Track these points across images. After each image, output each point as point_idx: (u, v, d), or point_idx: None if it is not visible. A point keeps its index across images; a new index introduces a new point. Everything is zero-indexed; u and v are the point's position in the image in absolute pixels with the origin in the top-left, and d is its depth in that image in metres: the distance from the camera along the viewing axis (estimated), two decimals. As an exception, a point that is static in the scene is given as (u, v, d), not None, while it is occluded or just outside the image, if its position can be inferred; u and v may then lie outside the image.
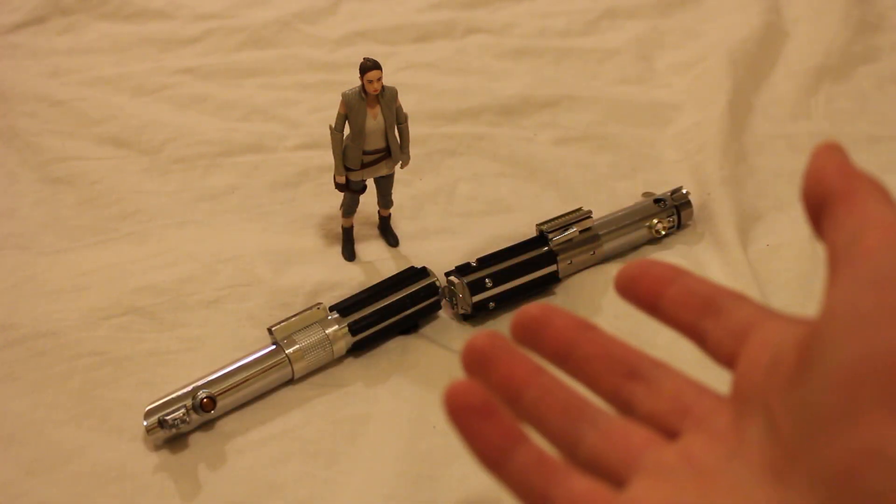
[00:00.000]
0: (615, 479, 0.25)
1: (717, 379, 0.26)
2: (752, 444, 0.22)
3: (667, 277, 0.27)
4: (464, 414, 0.25)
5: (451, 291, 0.55)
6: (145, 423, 0.47)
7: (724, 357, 0.25)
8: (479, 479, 0.46)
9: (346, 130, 0.54)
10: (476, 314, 0.55)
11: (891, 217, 0.22)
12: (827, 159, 0.24)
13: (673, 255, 0.59)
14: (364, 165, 0.56)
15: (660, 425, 0.25)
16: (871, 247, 0.21)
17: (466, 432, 0.25)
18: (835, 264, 0.22)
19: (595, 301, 0.56)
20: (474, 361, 0.27)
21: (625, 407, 0.26)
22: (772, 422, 0.22)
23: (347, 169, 0.55)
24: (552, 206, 0.62)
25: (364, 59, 0.52)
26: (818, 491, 0.20)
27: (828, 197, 0.23)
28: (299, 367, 0.51)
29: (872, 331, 0.19)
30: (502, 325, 0.55)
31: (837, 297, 0.21)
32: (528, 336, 0.28)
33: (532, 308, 0.28)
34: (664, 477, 0.24)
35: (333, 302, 0.54)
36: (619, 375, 0.27)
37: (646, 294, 0.27)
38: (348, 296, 0.54)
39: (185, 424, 0.47)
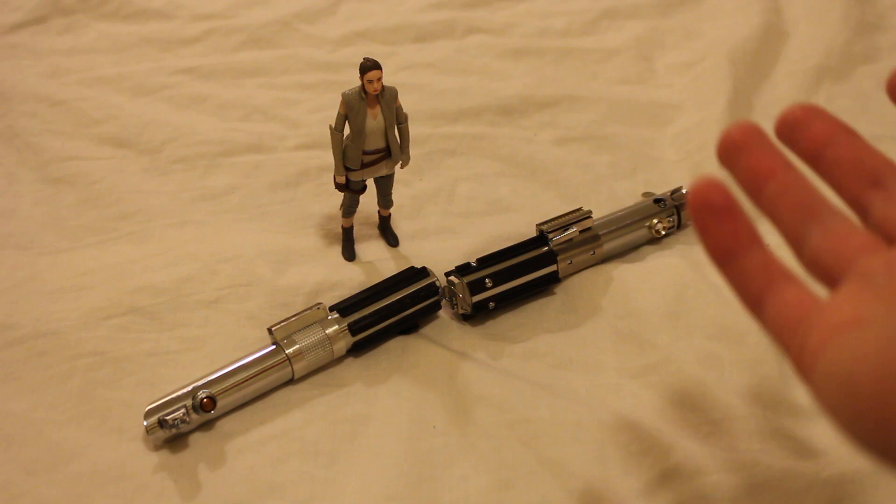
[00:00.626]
0: (830, 278, 0.26)
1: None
2: None
3: (832, 134, 0.28)
4: (704, 211, 0.27)
5: (451, 291, 0.55)
6: (145, 423, 0.47)
7: (887, 231, 0.26)
8: (479, 479, 0.46)
9: (346, 130, 0.54)
10: (476, 314, 0.55)
11: None
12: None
13: (673, 255, 0.59)
14: (364, 165, 0.56)
15: (887, 232, 0.26)
16: None
17: (703, 228, 0.27)
18: None
19: (595, 301, 0.56)
20: (728, 150, 0.29)
21: (862, 212, 0.28)
22: None
23: (347, 169, 0.55)
24: (552, 206, 0.62)
25: (364, 59, 0.52)
26: None
27: None
28: (299, 367, 0.51)
29: None
30: (503, 325, 0.55)
31: None
32: (788, 134, 0.29)
33: (796, 107, 0.30)
34: (863, 285, 0.25)
35: (333, 302, 0.54)
36: (864, 182, 0.28)
37: (811, 142, 0.28)
38: (348, 296, 0.54)
39: (185, 424, 0.47)
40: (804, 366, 0.25)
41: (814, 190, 0.28)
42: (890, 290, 0.24)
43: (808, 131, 0.29)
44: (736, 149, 0.28)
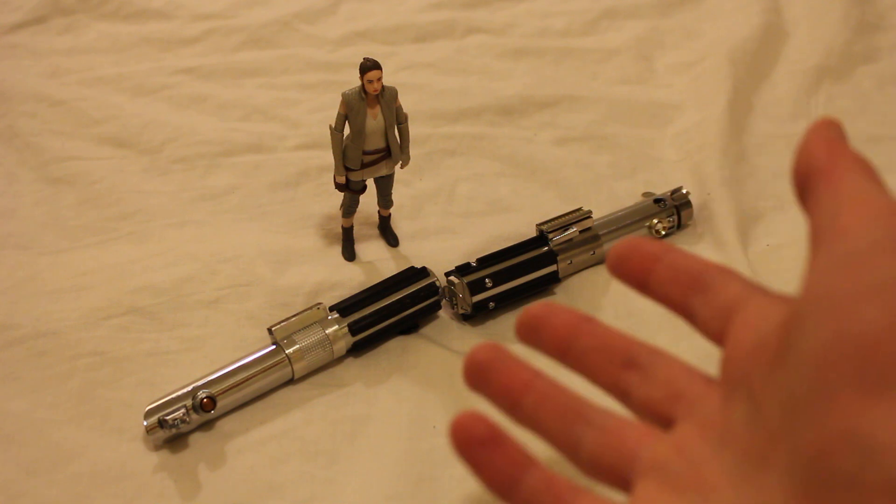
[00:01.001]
0: (618, 479, 0.25)
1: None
2: (738, 429, 0.22)
3: (655, 254, 0.27)
4: (471, 446, 0.26)
5: (451, 291, 0.55)
6: (145, 423, 0.47)
7: (714, 335, 0.25)
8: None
9: (346, 130, 0.54)
10: (476, 314, 0.55)
11: (869, 193, 0.21)
12: (818, 135, 0.23)
13: (673, 255, 0.59)
14: (364, 165, 0.56)
15: (655, 413, 0.25)
16: (845, 224, 0.20)
17: (475, 464, 0.26)
18: (815, 243, 0.22)
19: (595, 301, 0.56)
20: (475, 373, 0.27)
21: (622, 396, 0.27)
22: (756, 405, 0.21)
23: (347, 169, 0.55)
24: (552, 206, 0.62)
25: (364, 59, 0.52)
26: (795, 474, 0.19)
27: (812, 174, 0.23)
28: (299, 367, 0.51)
29: (844, 312, 0.19)
30: (502, 325, 0.55)
31: (814, 277, 0.21)
32: (530, 334, 0.28)
33: (534, 307, 0.28)
34: (661, 478, 0.24)
35: (333, 302, 0.54)
36: (617, 365, 0.27)
37: (635, 271, 0.27)
38: (348, 296, 0.54)
39: (185, 424, 0.47)
40: None
41: (572, 393, 0.27)
42: (694, 480, 0.23)
43: (550, 326, 0.28)
44: (483, 371, 0.27)
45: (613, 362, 0.27)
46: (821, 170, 0.22)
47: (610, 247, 0.57)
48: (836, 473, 0.18)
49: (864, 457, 0.18)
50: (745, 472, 0.21)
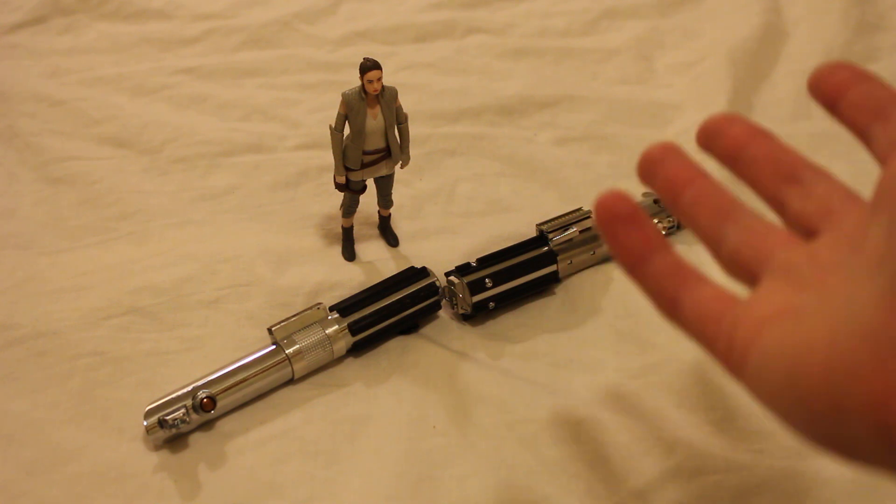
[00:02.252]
0: (750, 276, 0.27)
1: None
2: (871, 242, 0.23)
3: (852, 79, 0.29)
4: (611, 220, 0.28)
5: (451, 291, 0.55)
6: (145, 423, 0.47)
7: (884, 160, 0.27)
8: (478, 479, 0.46)
9: (346, 130, 0.54)
10: (476, 314, 0.55)
11: None
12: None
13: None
14: (364, 165, 0.56)
15: (804, 225, 0.27)
16: None
17: (611, 236, 0.28)
18: None
19: (595, 301, 0.56)
20: (646, 166, 0.30)
21: (779, 207, 0.28)
22: (893, 222, 0.22)
23: (347, 169, 0.55)
24: (552, 206, 0.62)
25: (364, 59, 0.52)
26: None
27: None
28: (299, 367, 0.51)
29: None
30: (502, 324, 0.55)
31: None
32: (708, 142, 0.31)
33: (717, 116, 0.31)
34: (788, 277, 0.25)
35: (333, 302, 0.54)
36: (780, 178, 0.29)
37: (830, 93, 0.29)
38: (348, 296, 0.54)
39: (185, 424, 0.47)
40: (734, 360, 0.25)
41: (729, 194, 0.29)
42: (817, 281, 0.24)
43: (726, 136, 0.30)
44: (654, 164, 0.30)
45: (778, 174, 0.29)
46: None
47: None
48: None
49: None
50: (863, 276, 0.22)
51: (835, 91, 0.29)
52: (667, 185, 0.30)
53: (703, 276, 0.27)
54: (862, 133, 0.28)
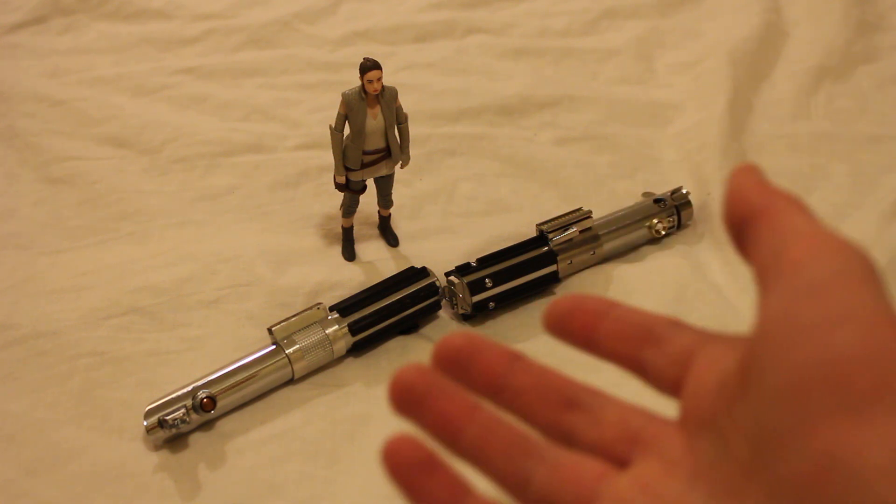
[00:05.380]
0: None
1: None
2: (708, 467, 0.22)
3: (599, 310, 0.26)
4: (406, 471, 0.24)
5: (451, 291, 0.55)
6: (145, 423, 0.47)
7: (668, 385, 0.24)
8: (478, 479, 0.46)
9: (346, 130, 0.54)
10: (476, 314, 0.55)
11: (811, 227, 0.21)
12: (745, 179, 0.23)
13: (673, 254, 0.59)
14: (364, 165, 0.56)
15: (608, 455, 0.24)
16: (797, 258, 0.21)
17: (410, 490, 0.24)
18: (763, 279, 0.22)
19: (595, 301, 0.56)
20: (405, 400, 0.25)
21: (566, 439, 0.25)
22: (725, 442, 0.21)
23: (347, 169, 0.55)
24: (552, 206, 0.62)
25: (364, 59, 0.52)
26: None
27: (748, 215, 0.23)
28: (299, 367, 0.51)
29: (815, 339, 0.19)
30: (502, 325, 0.55)
31: (772, 309, 0.20)
32: (454, 369, 0.26)
33: (455, 338, 0.26)
34: None
35: (333, 302, 0.54)
36: (557, 406, 0.25)
37: (579, 329, 0.26)
38: (348, 296, 0.54)
39: (185, 424, 0.47)
40: None
41: (516, 426, 0.25)
42: None
43: (477, 363, 0.26)
44: (416, 397, 0.25)
45: (552, 403, 0.25)
46: (757, 210, 0.22)
47: (611, 247, 0.58)
48: (823, 501, 0.18)
49: (853, 482, 0.18)
50: (722, 499, 0.21)
51: (585, 326, 0.26)
52: (440, 422, 0.25)
53: None
54: (631, 362, 0.25)
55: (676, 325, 0.25)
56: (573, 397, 0.25)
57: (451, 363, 0.26)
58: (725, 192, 0.23)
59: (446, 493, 0.24)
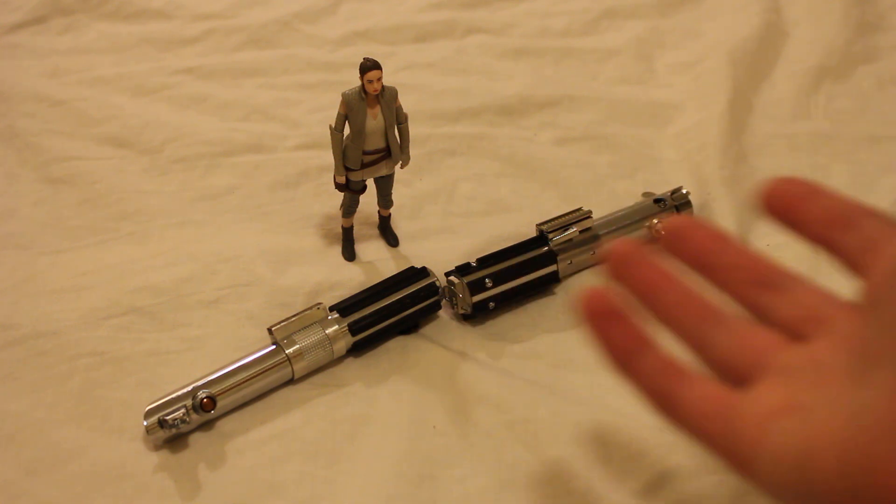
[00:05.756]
0: (744, 379, 0.27)
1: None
2: (868, 343, 0.23)
3: (805, 195, 0.29)
4: (597, 318, 0.28)
5: (451, 291, 0.55)
6: (145, 423, 0.47)
7: (857, 266, 0.27)
8: (478, 479, 0.46)
9: (346, 130, 0.54)
10: (476, 314, 0.55)
11: None
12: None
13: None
14: (364, 165, 0.56)
15: (792, 331, 0.27)
16: None
17: (599, 335, 0.28)
18: None
19: (595, 301, 0.56)
20: (618, 265, 0.29)
21: (761, 313, 0.28)
22: (885, 323, 0.23)
23: (347, 169, 0.55)
24: (552, 206, 0.62)
25: (364, 59, 0.52)
26: None
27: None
28: (299, 367, 0.51)
29: None
30: (502, 325, 0.55)
31: None
32: (674, 245, 0.30)
33: (677, 219, 0.31)
34: (788, 377, 0.25)
35: (333, 302, 0.54)
36: (756, 284, 0.28)
37: (787, 210, 0.29)
38: (348, 296, 0.54)
39: (185, 424, 0.47)
40: (741, 457, 0.25)
41: (708, 297, 0.29)
42: (820, 382, 0.25)
43: (693, 241, 0.30)
44: (627, 263, 0.29)
45: (754, 281, 0.29)
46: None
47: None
48: None
49: None
50: (862, 374, 0.23)
51: (790, 207, 0.29)
52: (643, 287, 0.29)
53: (695, 372, 0.27)
54: (827, 244, 0.28)
55: (872, 214, 0.27)
56: (772, 278, 0.29)
57: (672, 240, 0.31)
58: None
59: (630, 341, 0.28)
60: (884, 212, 0.27)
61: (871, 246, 0.26)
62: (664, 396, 0.27)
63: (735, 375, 0.27)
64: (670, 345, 0.28)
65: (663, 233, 0.31)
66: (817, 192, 0.29)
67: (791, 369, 0.26)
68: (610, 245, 0.30)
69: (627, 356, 0.28)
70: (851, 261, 0.27)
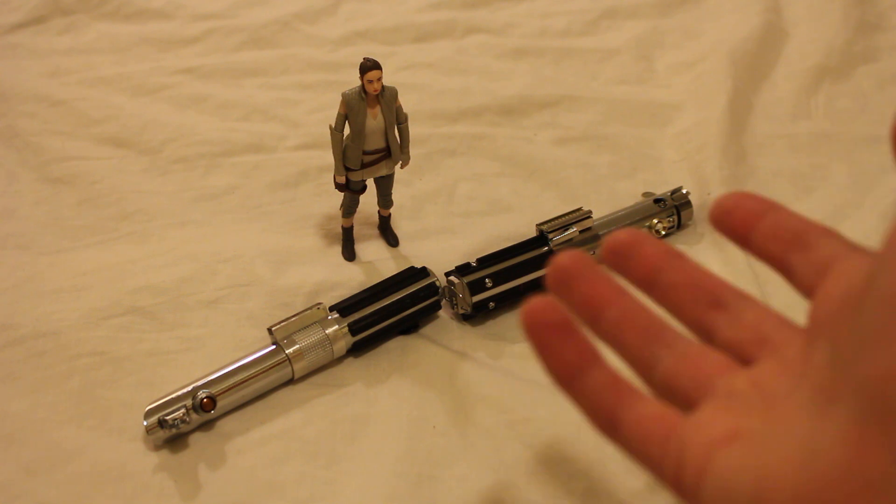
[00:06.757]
0: (687, 402, 0.26)
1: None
2: (815, 369, 0.23)
3: (759, 211, 0.28)
4: (541, 330, 0.26)
5: (451, 291, 0.55)
6: (145, 423, 0.47)
7: (808, 290, 0.26)
8: (479, 479, 0.46)
9: (346, 130, 0.54)
10: (476, 314, 0.55)
11: None
12: None
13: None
14: (364, 165, 0.56)
15: (737, 353, 0.26)
16: None
17: (542, 348, 0.27)
18: None
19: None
20: (559, 279, 0.28)
21: (706, 335, 0.27)
22: (836, 348, 0.22)
23: (347, 169, 0.55)
24: (552, 206, 0.62)
25: (364, 59, 0.52)
26: (857, 406, 0.20)
27: None
28: (299, 367, 0.51)
29: None
30: (502, 325, 0.55)
31: None
32: (617, 261, 0.29)
33: (622, 234, 0.29)
34: (732, 402, 0.24)
35: (333, 302, 0.54)
36: (703, 304, 0.27)
37: (739, 227, 0.28)
38: (348, 296, 0.54)
39: (185, 424, 0.47)
40: (685, 484, 0.24)
41: (654, 314, 0.27)
42: (765, 408, 0.24)
43: (638, 256, 0.29)
44: (568, 277, 0.28)
45: (700, 300, 0.27)
46: None
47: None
48: (892, 407, 0.19)
49: None
50: (815, 407, 0.22)
51: (744, 223, 0.28)
52: (585, 301, 0.28)
53: (641, 393, 0.26)
54: (779, 263, 0.27)
55: (827, 234, 0.26)
56: (720, 297, 0.27)
57: (615, 255, 0.29)
58: None
59: (575, 356, 0.26)
60: (841, 233, 0.26)
61: (824, 269, 0.25)
62: (606, 416, 0.26)
63: (679, 398, 0.26)
64: (617, 362, 0.27)
65: (603, 247, 0.29)
66: (773, 209, 0.27)
67: (735, 394, 0.25)
68: (553, 257, 0.28)
69: (571, 372, 0.26)
70: (803, 282, 0.26)
